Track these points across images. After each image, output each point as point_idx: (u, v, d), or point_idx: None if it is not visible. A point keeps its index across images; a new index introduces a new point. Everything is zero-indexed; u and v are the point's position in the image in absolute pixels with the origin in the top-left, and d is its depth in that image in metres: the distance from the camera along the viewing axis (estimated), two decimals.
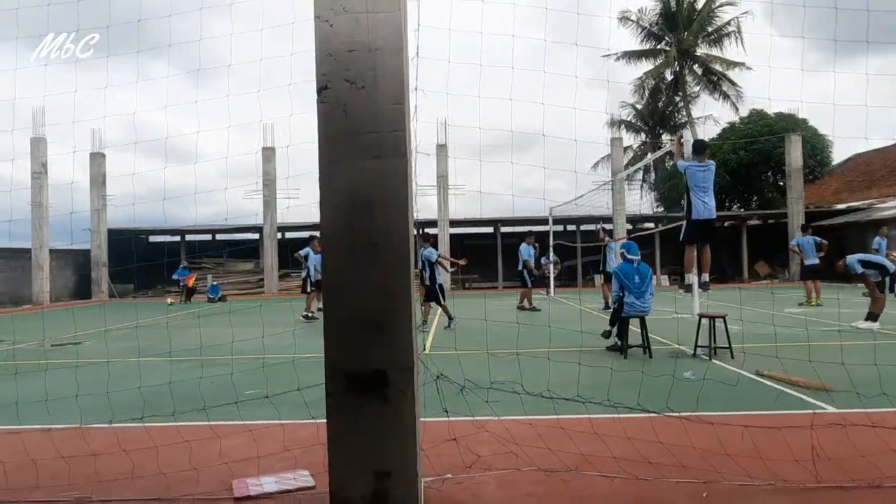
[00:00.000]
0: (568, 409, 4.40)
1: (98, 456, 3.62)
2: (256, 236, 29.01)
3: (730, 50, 34.78)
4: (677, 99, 38.97)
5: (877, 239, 15.89)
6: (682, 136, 7.88)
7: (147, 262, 29.69)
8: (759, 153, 30.78)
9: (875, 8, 3.95)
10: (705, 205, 7.41)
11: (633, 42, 37.13)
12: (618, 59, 36.96)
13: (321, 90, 2.96)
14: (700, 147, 7.86)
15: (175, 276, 22.52)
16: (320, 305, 16.38)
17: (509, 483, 3.31)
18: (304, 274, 15.03)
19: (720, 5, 34.94)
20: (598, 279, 25.62)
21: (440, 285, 11.85)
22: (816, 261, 14.37)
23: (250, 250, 28.92)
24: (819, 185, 33.24)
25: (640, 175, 36.46)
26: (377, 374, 2.91)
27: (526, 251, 15.43)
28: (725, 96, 36.19)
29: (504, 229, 30.36)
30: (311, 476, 3.51)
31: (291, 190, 26.54)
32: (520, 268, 15.43)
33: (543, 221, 22.59)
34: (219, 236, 31.40)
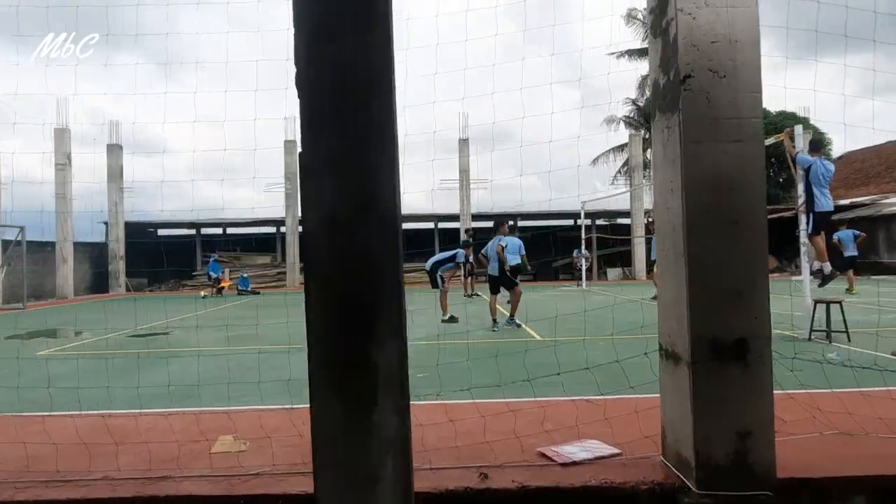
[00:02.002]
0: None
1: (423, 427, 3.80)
2: (273, 230, 28.86)
3: None
4: None
5: None
6: (792, 130, 8.22)
7: (159, 256, 29.29)
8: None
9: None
10: (827, 198, 7.84)
11: (637, 41, 37.82)
12: (620, 56, 37.64)
13: (685, 78, 3.17)
14: (818, 145, 8.30)
15: (209, 271, 22.33)
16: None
17: (810, 445, 3.58)
18: None
19: None
20: (624, 270, 26.38)
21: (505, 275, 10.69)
22: (855, 253, 15.14)
23: (266, 244, 28.74)
24: None
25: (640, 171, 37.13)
26: (738, 342, 3.15)
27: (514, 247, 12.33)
28: None
29: (522, 223, 30.73)
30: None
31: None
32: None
33: (563, 216, 22.83)
34: (230, 230, 31.10)
